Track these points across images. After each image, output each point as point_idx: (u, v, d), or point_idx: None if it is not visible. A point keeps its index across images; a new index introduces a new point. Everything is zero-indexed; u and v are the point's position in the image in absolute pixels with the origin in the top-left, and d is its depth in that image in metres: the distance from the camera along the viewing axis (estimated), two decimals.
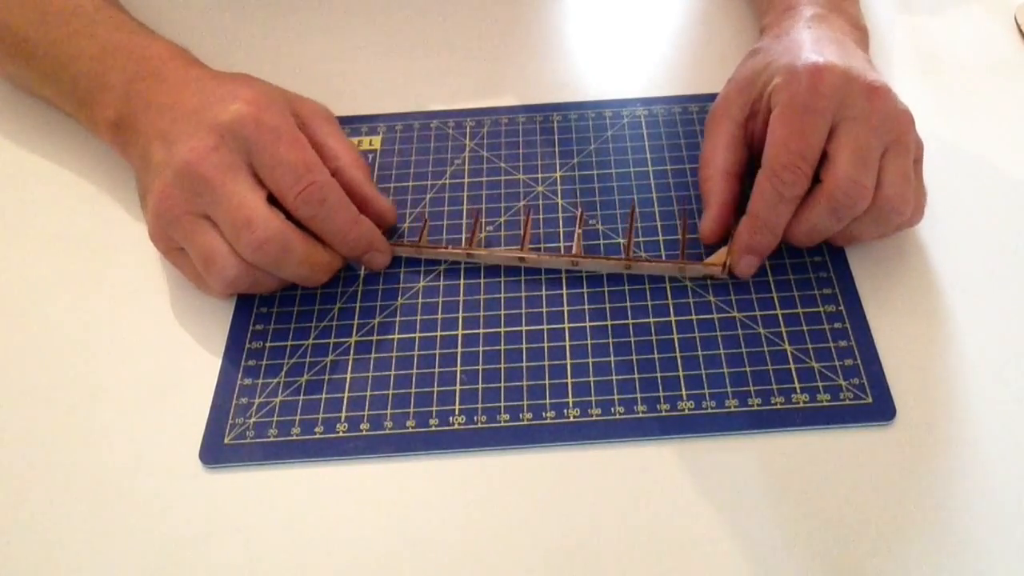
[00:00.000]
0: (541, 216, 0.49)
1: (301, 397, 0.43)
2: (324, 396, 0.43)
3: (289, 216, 0.43)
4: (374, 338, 0.45)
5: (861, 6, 0.52)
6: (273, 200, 0.43)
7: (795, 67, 0.43)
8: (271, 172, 0.43)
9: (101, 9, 0.50)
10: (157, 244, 0.45)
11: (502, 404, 0.42)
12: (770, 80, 0.44)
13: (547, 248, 0.47)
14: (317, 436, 0.41)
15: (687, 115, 0.54)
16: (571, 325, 0.45)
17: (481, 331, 0.45)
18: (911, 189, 0.42)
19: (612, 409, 0.41)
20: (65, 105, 0.51)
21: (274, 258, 0.42)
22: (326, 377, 0.43)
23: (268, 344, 0.45)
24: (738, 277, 0.45)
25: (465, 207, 0.50)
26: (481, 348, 0.44)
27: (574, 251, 0.46)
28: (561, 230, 0.48)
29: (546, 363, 0.43)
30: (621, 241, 0.47)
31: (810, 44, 0.44)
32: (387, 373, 0.43)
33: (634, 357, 0.43)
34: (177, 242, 0.44)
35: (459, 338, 0.45)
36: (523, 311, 0.45)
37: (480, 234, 0.48)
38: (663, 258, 0.47)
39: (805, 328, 0.44)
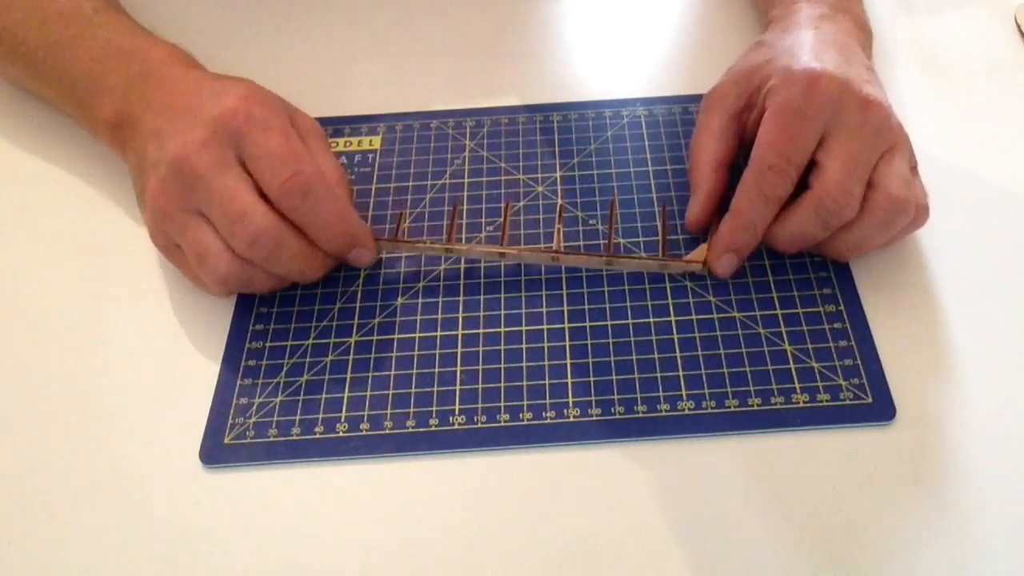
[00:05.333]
0: (540, 216, 0.49)
1: (301, 397, 0.43)
2: (324, 396, 0.43)
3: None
4: (374, 338, 0.45)
5: (864, 6, 0.52)
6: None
7: (792, 71, 0.43)
8: (256, 163, 0.42)
9: (101, 12, 0.50)
10: (156, 242, 0.45)
11: (502, 404, 0.42)
12: (768, 78, 0.44)
13: (528, 245, 0.47)
14: (317, 436, 0.41)
15: (687, 115, 0.54)
16: (571, 325, 0.45)
17: (481, 331, 0.45)
18: (912, 191, 0.42)
19: (612, 409, 0.41)
20: (65, 106, 0.51)
21: (268, 252, 0.42)
22: (326, 377, 0.43)
23: (268, 344, 0.45)
24: (717, 277, 0.45)
25: (465, 207, 0.50)
26: (481, 348, 0.44)
27: (555, 247, 0.46)
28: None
29: (546, 363, 0.43)
30: (622, 241, 0.47)
31: (812, 48, 0.44)
32: (387, 373, 0.43)
33: (634, 357, 0.43)
34: (173, 239, 0.44)
35: (459, 338, 0.45)
36: (523, 311, 0.45)
37: (459, 222, 0.47)
38: (645, 256, 0.46)
39: (805, 328, 0.44)
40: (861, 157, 0.42)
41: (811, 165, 0.43)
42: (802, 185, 0.43)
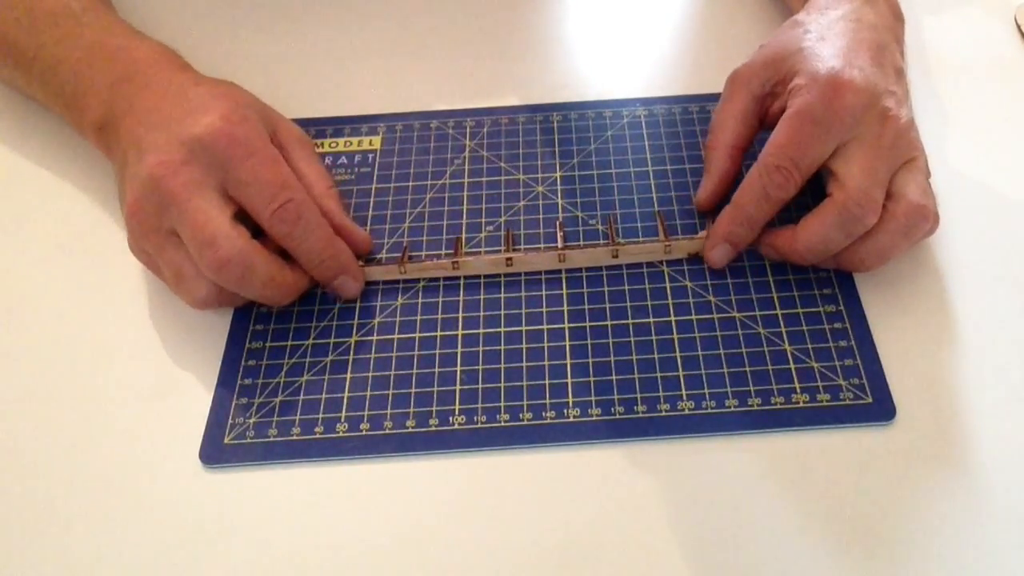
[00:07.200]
0: (540, 216, 0.49)
1: (301, 397, 0.43)
2: (324, 396, 0.43)
3: (256, 236, 0.43)
4: (374, 338, 0.45)
5: None
6: (242, 219, 0.43)
7: (819, 74, 0.42)
8: (245, 189, 0.42)
9: (89, 11, 0.49)
10: (135, 255, 0.45)
11: (502, 404, 0.42)
12: (794, 72, 0.44)
13: (529, 246, 0.47)
14: (317, 436, 0.41)
15: (687, 115, 0.54)
16: (571, 325, 0.45)
17: (481, 331, 0.45)
18: (930, 199, 0.43)
19: (612, 409, 0.41)
20: (54, 107, 0.50)
21: (236, 278, 0.41)
22: (326, 377, 0.43)
23: (268, 344, 0.45)
24: (712, 266, 0.46)
25: (465, 207, 0.50)
26: (481, 348, 0.44)
27: (559, 246, 0.47)
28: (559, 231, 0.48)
29: (546, 363, 0.43)
30: (621, 241, 0.47)
31: (846, 48, 0.43)
32: (387, 373, 0.43)
33: (634, 357, 0.43)
34: (152, 256, 0.44)
35: (459, 338, 0.45)
36: (523, 311, 0.45)
37: (462, 251, 0.47)
38: (650, 240, 0.47)
39: (805, 328, 0.44)
40: (879, 166, 0.42)
41: (829, 177, 0.43)
42: (818, 200, 0.43)
